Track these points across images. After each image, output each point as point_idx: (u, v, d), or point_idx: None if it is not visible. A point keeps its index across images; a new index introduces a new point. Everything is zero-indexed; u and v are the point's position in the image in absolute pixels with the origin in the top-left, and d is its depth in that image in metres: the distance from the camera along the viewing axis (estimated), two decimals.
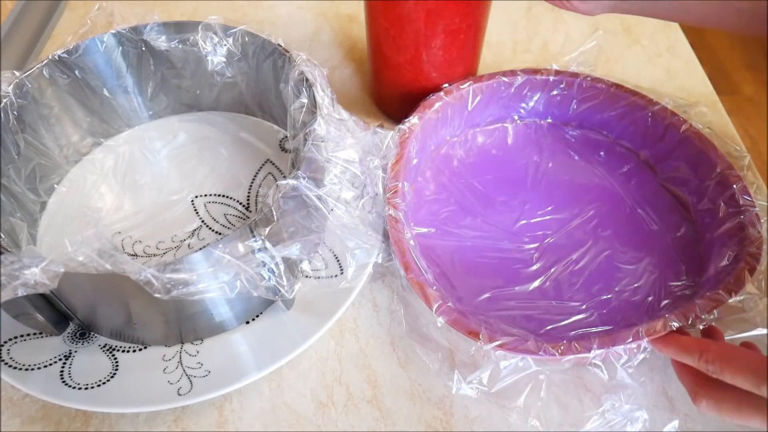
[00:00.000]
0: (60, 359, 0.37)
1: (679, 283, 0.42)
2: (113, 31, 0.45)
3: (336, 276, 0.40)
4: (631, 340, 0.34)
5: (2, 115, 0.40)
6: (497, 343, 0.35)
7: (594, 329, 0.40)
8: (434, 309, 0.37)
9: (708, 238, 0.43)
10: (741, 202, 0.41)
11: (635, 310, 0.41)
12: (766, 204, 0.41)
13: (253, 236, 0.33)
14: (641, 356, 0.35)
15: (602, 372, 0.36)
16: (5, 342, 0.37)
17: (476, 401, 0.38)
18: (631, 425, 0.35)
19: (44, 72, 0.43)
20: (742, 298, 0.37)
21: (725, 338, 0.36)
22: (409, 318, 0.41)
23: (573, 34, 0.62)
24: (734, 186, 0.42)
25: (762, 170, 0.49)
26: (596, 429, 0.36)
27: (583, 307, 0.41)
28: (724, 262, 0.39)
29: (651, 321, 0.35)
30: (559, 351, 0.34)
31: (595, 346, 0.34)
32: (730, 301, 0.36)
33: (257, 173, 0.48)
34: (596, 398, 0.37)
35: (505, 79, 0.49)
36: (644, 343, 0.35)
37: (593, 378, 0.37)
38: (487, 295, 0.42)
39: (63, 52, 0.44)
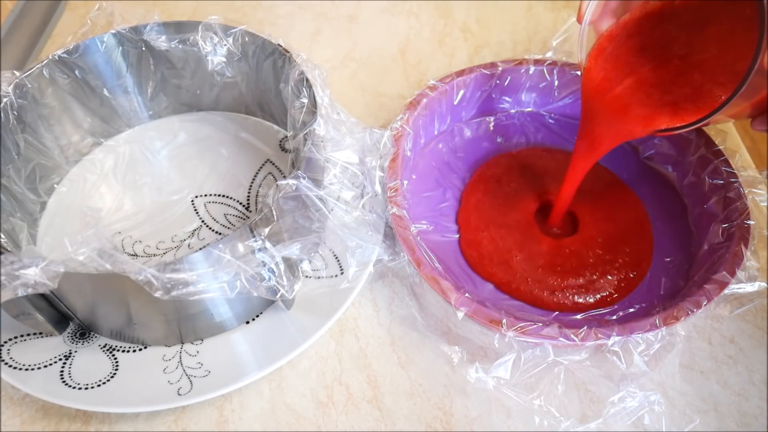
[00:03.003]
0: (60, 359, 0.37)
1: (673, 258, 0.43)
2: (113, 31, 0.45)
3: (336, 276, 0.40)
4: (649, 328, 0.35)
5: (2, 115, 0.40)
6: (519, 325, 0.35)
7: (600, 310, 0.40)
8: (453, 302, 0.36)
9: (696, 212, 0.44)
10: (724, 175, 0.42)
11: (636, 287, 0.41)
12: (750, 174, 0.42)
13: (253, 236, 0.33)
14: (657, 345, 0.36)
15: (620, 360, 0.36)
16: (5, 342, 0.37)
17: (476, 401, 0.38)
18: (648, 412, 0.36)
19: (44, 72, 0.43)
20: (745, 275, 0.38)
21: (728, 312, 0.38)
22: (423, 314, 0.41)
23: (574, 34, 0.62)
24: (715, 160, 0.43)
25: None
26: (614, 416, 0.36)
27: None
28: (718, 239, 0.40)
29: (666, 309, 0.36)
30: (580, 337, 0.35)
31: (614, 333, 0.35)
32: (733, 285, 0.37)
33: (257, 173, 0.48)
34: (614, 386, 0.38)
35: (486, 71, 0.49)
36: (662, 331, 0.35)
37: (611, 366, 0.37)
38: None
39: (63, 52, 0.44)
